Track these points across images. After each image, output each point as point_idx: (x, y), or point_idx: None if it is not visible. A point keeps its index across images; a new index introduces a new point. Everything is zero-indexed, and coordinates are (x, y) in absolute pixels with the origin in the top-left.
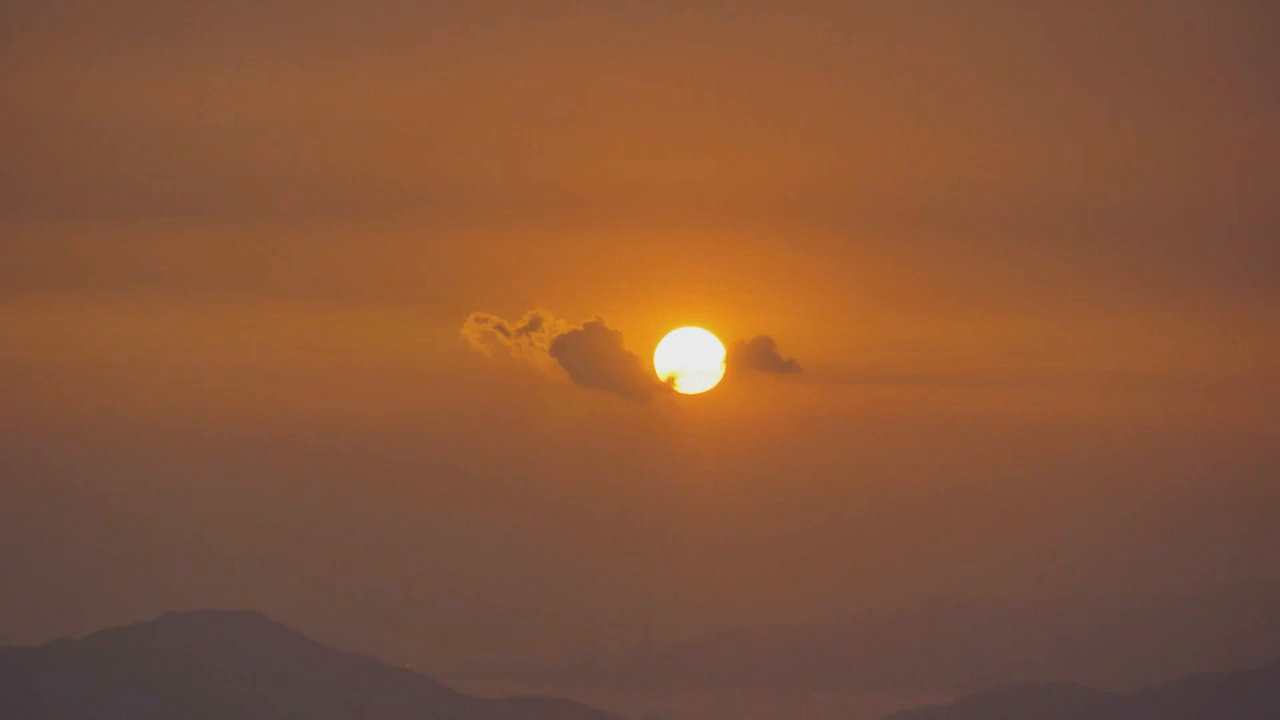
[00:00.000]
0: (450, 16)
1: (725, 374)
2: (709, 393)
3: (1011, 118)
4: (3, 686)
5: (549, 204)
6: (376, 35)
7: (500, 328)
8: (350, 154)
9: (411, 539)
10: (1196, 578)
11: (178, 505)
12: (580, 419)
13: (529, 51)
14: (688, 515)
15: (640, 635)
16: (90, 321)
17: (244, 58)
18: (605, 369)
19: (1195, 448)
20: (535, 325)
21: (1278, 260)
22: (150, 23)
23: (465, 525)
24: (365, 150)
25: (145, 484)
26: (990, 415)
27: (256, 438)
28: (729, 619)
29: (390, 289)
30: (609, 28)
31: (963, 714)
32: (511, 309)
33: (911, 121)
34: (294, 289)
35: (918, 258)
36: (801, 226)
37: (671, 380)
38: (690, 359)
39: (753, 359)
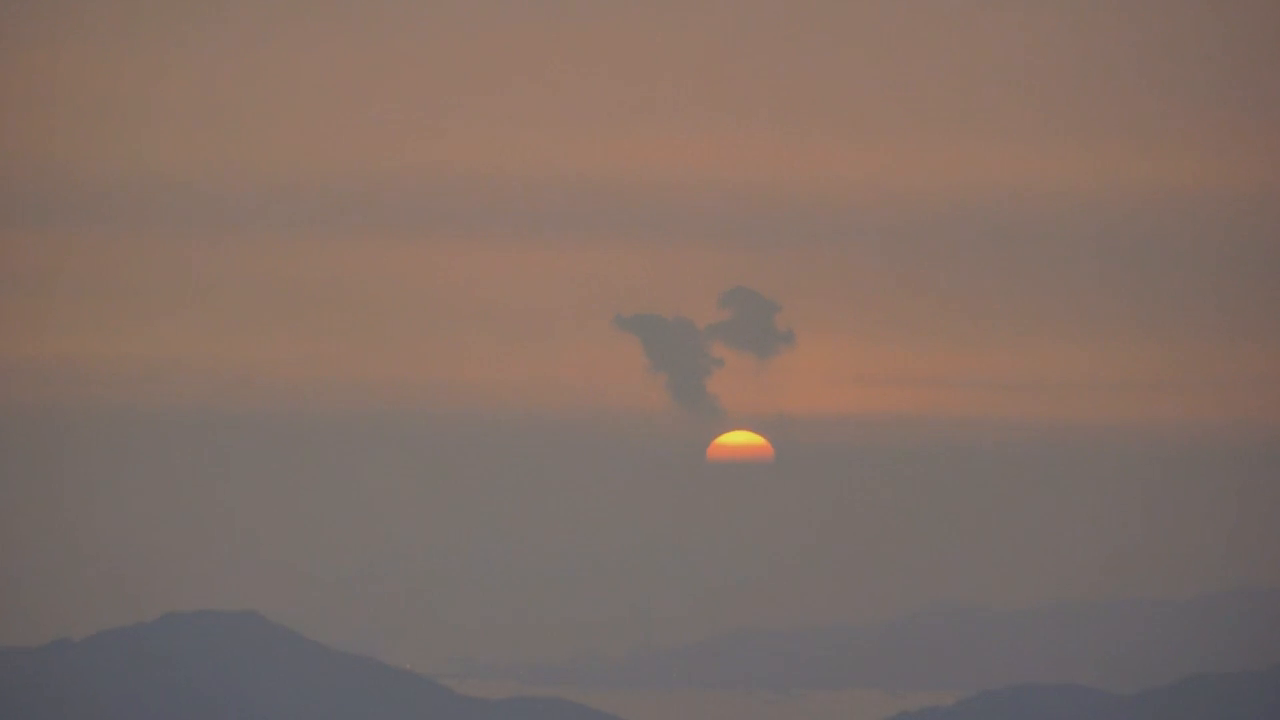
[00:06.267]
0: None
1: (724, 372)
2: (708, 392)
3: (1019, 128)
4: (3, 686)
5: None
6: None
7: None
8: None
9: (411, 540)
10: (1197, 580)
11: (179, 506)
12: (580, 418)
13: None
14: (687, 515)
15: (640, 635)
16: (89, 324)
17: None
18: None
19: (1195, 452)
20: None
21: (1275, 264)
22: (154, 25)
23: (465, 526)
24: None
25: (146, 484)
26: (991, 419)
27: (256, 439)
28: (729, 619)
29: (392, 293)
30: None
31: (963, 714)
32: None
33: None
34: (293, 292)
35: (921, 263)
36: (810, 233)
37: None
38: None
39: (752, 342)
